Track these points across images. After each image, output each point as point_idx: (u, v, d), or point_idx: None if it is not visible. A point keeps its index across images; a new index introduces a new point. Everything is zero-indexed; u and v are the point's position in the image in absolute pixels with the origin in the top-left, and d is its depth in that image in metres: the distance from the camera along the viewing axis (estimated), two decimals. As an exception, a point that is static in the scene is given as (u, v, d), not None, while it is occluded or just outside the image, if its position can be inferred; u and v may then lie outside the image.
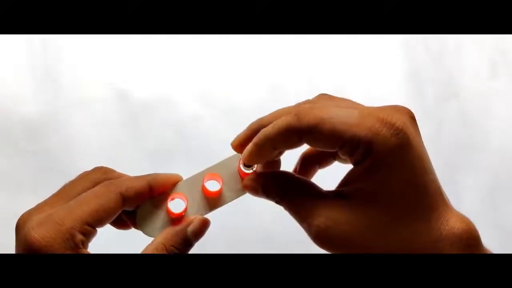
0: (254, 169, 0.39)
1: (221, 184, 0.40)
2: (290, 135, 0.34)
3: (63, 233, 0.35)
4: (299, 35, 0.84)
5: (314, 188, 0.36)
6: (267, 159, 0.37)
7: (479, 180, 0.82)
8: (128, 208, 0.39)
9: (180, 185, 0.40)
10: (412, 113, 0.34)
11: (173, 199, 0.40)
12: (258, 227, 0.77)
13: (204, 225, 0.39)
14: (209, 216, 0.40)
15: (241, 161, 0.39)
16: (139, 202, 0.39)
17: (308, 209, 0.34)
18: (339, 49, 0.87)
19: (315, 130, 0.33)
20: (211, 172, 0.40)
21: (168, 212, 0.39)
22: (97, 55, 0.85)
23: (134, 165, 0.78)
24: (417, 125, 0.34)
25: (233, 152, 0.40)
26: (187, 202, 0.40)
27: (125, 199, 0.38)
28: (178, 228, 0.38)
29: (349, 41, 0.87)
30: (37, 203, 0.38)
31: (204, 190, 0.40)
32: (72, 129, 0.81)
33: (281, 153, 0.37)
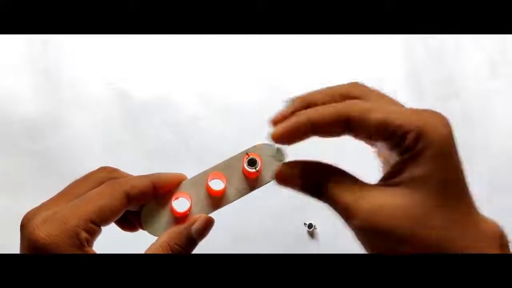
0: (257, 168, 0.39)
1: (225, 183, 0.40)
2: (337, 123, 0.33)
3: (68, 231, 0.35)
4: (299, 35, 0.84)
5: (357, 178, 0.35)
6: (296, 142, 0.35)
7: (479, 180, 0.82)
8: (133, 208, 0.39)
9: (184, 184, 0.41)
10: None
11: (177, 198, 0.40)
12: (259, 225, 0.77)
13: (208, 224, 0.39)
14: (213, 214, 0.40)
15: (245, 160, 0.40)
16: (144, 201, 0.39)
17: (355, 194, 0.33)
18: (339, 49, 0.87)
19: (365, 119, 0.33)
20: (215, 171, 0.41)
21: (173, 211, 0.39)
22: (97, 55, 0.85)
23: (134, 165, 0.78)
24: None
25: (237, 152, 0.41)
26: (191, 201, 0.40)
27: (129, 198, 0.38)
28: (182, 227, 0.38)
29: (349, 41, 0.87)
30: (42, 202, 0.38)
31: (208, 189, 0.40)
32: (72, 129, 0.82)
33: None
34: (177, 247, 0.38)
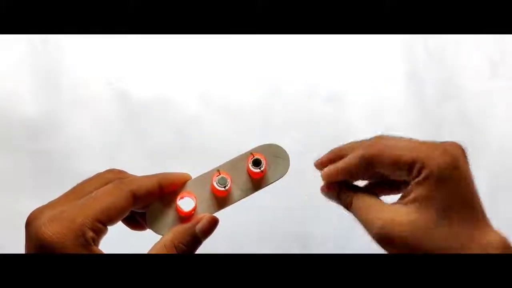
0: (262, 168, 0.40)
1: (230, 183, 0.40)
2: (362, 163, 0.40)
3: (75, 230, 0.35)
4: (299, 35, 0.84)
5: (376, 197, 0.41)
6: (339, 180, 0.42)
7: (479, 180, 0.82)
8: (139, 208, 0.40)
9: (189, 184, 0.41)
10: (464, 148, 0.41)
11: (182, 197, 0.40)
12: (260, 224, 0.77)
13: (212, 223, 0.39)
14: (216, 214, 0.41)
15: (250, 160, 0.40)
16: (150, 201, 0.40)
17: (375, 210, 0.39)
18: (339, 49, 0.87)
19: (381, 156, 0.39)
20: (221, 172, 0.41)
21: (178, 210, 0.40)
22: (97, 55, 0.85)
23: (134, 165, 0.78)
24: (467, 158, 0.40)
25: (241, 152, 0.41)
26: (196, 200, 0.40)
27: (135, 197, 0.38)
28: (187, 226, 0.39)
29: (349, 41, 0.87)
30: (49, 201, 0.38)
31: (213, 189, 0.41)
32: (72, 129, 0.82)
33: None
34: (181, 246, 0.38)
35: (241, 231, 0.77)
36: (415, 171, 0.38)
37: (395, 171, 0.39)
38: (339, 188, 0.42)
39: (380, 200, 0.41)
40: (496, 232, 0.38)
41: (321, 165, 0.43)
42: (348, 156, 0.41)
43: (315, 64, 0.86)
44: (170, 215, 0.40)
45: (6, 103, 0.82)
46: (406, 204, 0.38)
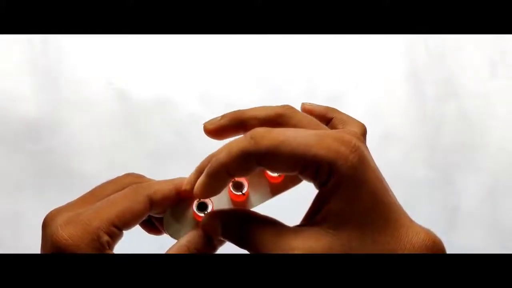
0: (280, 174, 0.38)
1: (247, 188, 0.40)
2: (247, 160, 0.33)
3: (90, 233, 0.35)
4: (299, 35, 0.84)
5: (280, 224, 0.35)
6: (223, 188, 0.36)
7: (479, 180, 0.82)
8: (156, 213, 0.39)
9: None
10: (364, 128, 0.36)
11: (199, 202, 0.40)
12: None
13: None
14: None
15: None
16: (167, 205, 0.39)
17: (273, 241, 0.33)
18: (339, 49, 0.87)
19: (273, 153, 0.32)
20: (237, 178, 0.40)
21: (195, 215, 0.39)
22: (97, 55, 0.85)
23: (134, 165, 0.78)
24: (367, 146, 0.34)
25: None
26: (213, 206, 0.40)
27: (152, 202, 0.38)
28: (202, 231, 0.38)
29: (349, 41, 0.87)
30: (67, 202, 0.38)
31: (230, 194, 0.40)
32: (72, 129, 0.81)
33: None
34: (196, 251, 0.37)
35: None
36: (322, 176, 0.32)
37: (295, 172, 0.33)
38: (224, 217, 0.36)
39: (281, 224, 0.34)
40: (424, 231, 0.33)
41: (214, 132, 0.38)
42: (224, 151, 0.34)
43: (315, 65, 0.86)
44: (186, 220, 0.40)
45: (6, 103, 0.82)
46: (314, 224, 0.33)
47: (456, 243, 0.76)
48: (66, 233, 0.35)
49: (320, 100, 0.86)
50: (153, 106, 0.83)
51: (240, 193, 0.39)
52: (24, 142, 0.81)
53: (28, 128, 0.81)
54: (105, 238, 0.35)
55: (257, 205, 0.40)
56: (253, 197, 0.40)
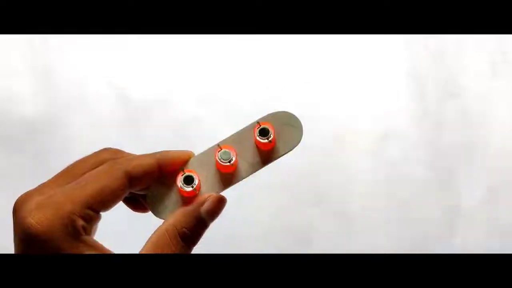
0: (270, 138, 0.36)
1: (235, 157, 0.36)
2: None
3: (63, 218, 0.32)
4: (299, 35, 0.84)
5: None
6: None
7: (479, 180, 0.82)
8: (138, 190, 0.36)
9: (191, 162, 0.37)
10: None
11: (183, 176, 0.36)
12: (256, 223, 0.77)
13: (220, 203, 0.36)
14: None
15: (256, 130, 0.36)
16: (148, 182, 0.36)
17: None
18: (339, 49, 0.87)
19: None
20: (224, 145, 0.37)
21: (180, 191, 0.36)
22: (97, 55, 0.85)
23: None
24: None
25: (247, 124, 0.38)
26: (200, 179, 0.36)
27: (131, 179, 0.35)
28: (190, 208, 0.35)
29: (349, 41, 0.87)
30: (39, 184, 0.36)
31: (218, 166, 0.37)
32: (71, 129, 0.82)
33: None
34: (185, 230, 0.34)
35: (241, 231, 0.77)
36: None
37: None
38: None
39: None
40: None
41: None
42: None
43: (315, 65, 0.86)
44: (172, 197, 0.36)
45: (6, 103, 0.82)
46: None
47: (456, 243, 0.76)
48: (36, 219, 0.32)
49: (320, 100, 0.86)
50: (153, 106, 0.83)
51: (228, 163, 0.36)
52: (24, 142, 0.81)
53: (28, 128, 0.81)
54: (80, 222, 0.32)
55: (248, 176, 0.37)
56: (242, 168, 0.37)
